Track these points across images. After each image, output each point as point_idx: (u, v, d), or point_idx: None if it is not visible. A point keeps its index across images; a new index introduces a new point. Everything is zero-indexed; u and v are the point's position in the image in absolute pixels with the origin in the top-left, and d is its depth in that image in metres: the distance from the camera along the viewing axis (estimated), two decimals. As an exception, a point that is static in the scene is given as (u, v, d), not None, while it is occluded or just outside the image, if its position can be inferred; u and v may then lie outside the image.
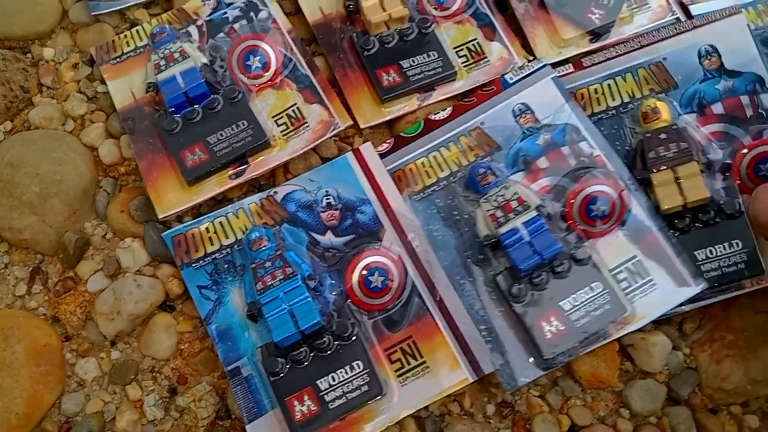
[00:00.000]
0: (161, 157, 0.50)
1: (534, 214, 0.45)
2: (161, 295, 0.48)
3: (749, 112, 0.48)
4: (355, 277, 0.46)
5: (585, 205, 0.47)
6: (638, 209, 0.47)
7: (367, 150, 0.50)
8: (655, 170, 0.46)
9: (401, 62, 0.52)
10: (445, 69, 0.52)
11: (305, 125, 0.50)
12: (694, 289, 0.45)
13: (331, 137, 0.50)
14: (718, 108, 0.49)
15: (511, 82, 0.51)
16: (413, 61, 0.52)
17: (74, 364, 0.48)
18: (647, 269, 0.46)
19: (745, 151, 0.48)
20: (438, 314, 0.46)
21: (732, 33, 0.50)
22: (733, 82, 0.49)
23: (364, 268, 0.46)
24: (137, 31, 0.54)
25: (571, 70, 0.51)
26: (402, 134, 0.51)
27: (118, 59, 0.53)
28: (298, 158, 0.50)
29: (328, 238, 0.48)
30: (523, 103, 0.50)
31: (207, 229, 0.48)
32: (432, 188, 0.49)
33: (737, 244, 0.45)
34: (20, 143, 0.51)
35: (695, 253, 0.46)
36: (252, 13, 0.54)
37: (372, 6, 0.52)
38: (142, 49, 0.53)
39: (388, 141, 0.50)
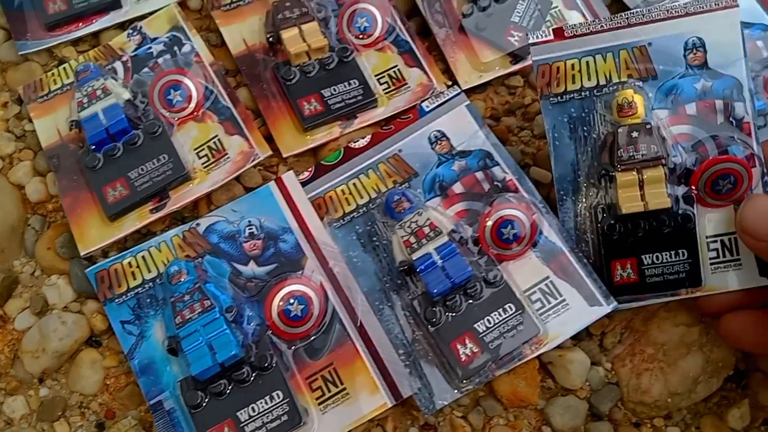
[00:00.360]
0: (85, 194, 0.50)
1: (445, 239, 0.46)
2: (86, 331, 0.49)
3: (720, 119, 0.46)
4: (274, 306, 0.47)
5: (497, 228, 0.47)
6: (549, 231, 0.47)
7: (289, 179, 0.51)
8: (621, 169, 0.44)
9: (322, 91, 0.53)
10: (365, 96, 0.53)
11: (226, 156, 0.51)
12: (606, 308, 0.46)
13: (251, 168, 0.51)
14: (691, 108, 0.46)
15: (427, 110, 0.52)
16: (334, 90, 0.53)
17: (2, 402, 0.49)
18: (559, 290, 0.46)
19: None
20: (358, 340, 0.46)
21: (724, 29, 0.46)
22: (712, 84, 0.46)
23: (283, 298, 0.47)
24: (64, 68, 0.55)
25: (551, 38, 0.47)
26: (322, 162, 0.51)
27: (45, 97, 0.54)
28: (221, 189, 0.51)
29: (251, 269, 0.49)
30: (438, 131, 0.51)
31: (129, 263, 0.49)
32: (352, 215, 0.50)
33: (683, 253, 0.45)
34: (-54, 184, 0.52)
35: (642, 256, 0.45)
36: (176, 47, 0.55)
37: (292, 37, 0.53)
38: (68, 87, 0.54)
39: (309, 169, 0.51)
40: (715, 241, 0.45)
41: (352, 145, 0.52)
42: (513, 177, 0.49)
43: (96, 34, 0.57)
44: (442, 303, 0.46)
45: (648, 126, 0.44)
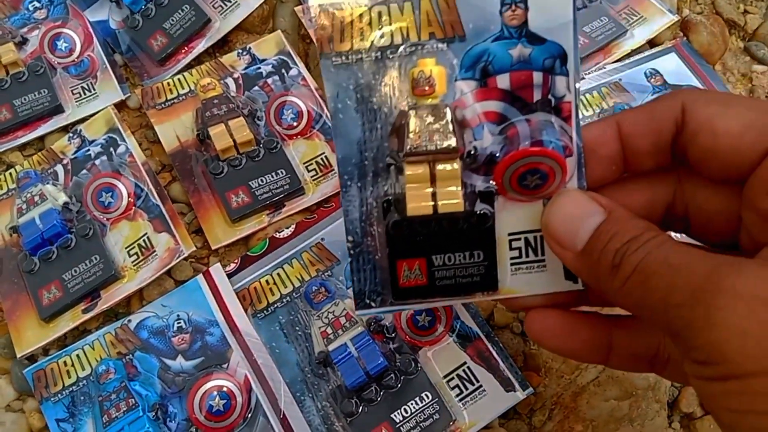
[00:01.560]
0: (23, 296, 0.53)
1: (361, 329, 0.47)
2: (25, 430, 0.50)
3: (536, 95, 0.36)
4: (196, 402, 0.48)
5: (412, 315, 0.48)
6: (466, 315, 0.48)
7: (216, 271, 0.52)
8: (409, 161, 0.36)
9: (250, 182, 0.55)
10: (292, 185, 0.55)
11: (153, 254, 0.53)
12: (522, 394, 0.46)
13: (179, 262, 0.52)
14: (504, 81, 0.36)
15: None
16: (261, 181, 0.55)
17: (-54, 504, 0.50)
18: (477, 375, 0.47)
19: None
20: (281, 432, 0.47)
21: None
22: (531, 51, 0.36)
23: (205, 393, 0.48)
24: (9, 174, 0.58)
25: None
26: (248, 253, 0.53)
27: (-10, 203, 0.57)
28: (153, 283, 0.53)
29: (179, 363, 0.50)
30: None
31: (65, 362, 0.51)
32: (275, 305, 0.51)
33: (478, 255, 0.38)
34: None
35: (432, 257, 0.38)
36: (111, 149, 0.57)
37: (219, 133, 0.55)
38: (12, 192, 0.57)
39: (235, 261, 0.53)
40: (519, 239, 0.38)
41: (277, 235, 0.53)
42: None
43: (41, 138, 0.60)
44: (358, 395, 0.46)
45: (446, 109, 0.35)
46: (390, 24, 0.35)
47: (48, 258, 0.52)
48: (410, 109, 0.35)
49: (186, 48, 0.62)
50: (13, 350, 0.52)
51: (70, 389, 0.50)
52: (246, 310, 0.51)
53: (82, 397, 0.50)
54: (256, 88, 0.60)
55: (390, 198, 0.37)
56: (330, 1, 0.35)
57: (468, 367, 0.47)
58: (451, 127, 0.35)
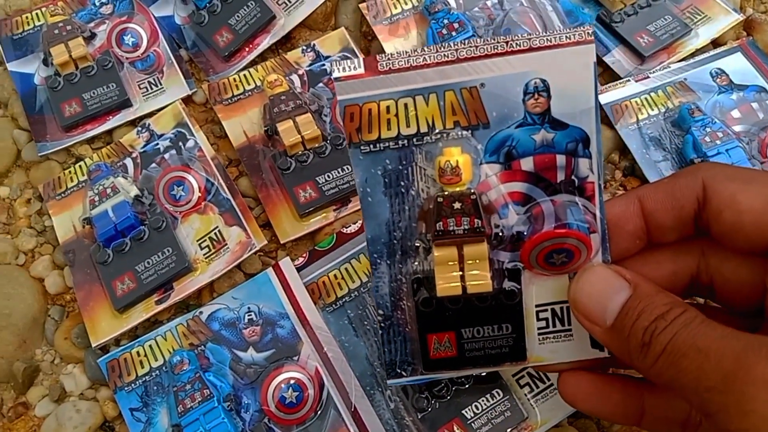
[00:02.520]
0: (97, 287, 0.54)
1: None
2: (99, 418, 0.52)
3: (560, 177, 0.38)
4: (270, 393, 0.49)
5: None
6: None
7: (286, 265, 0.53)
8: (438, 244, 0.38)
9: (317, 178, 0.55)
10: (358, 181, 0.55)
11: (225, 247, 0.54)
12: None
13: (249, 256, 0.53)
14: (527, 164, 0.38)
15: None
16: (328, 176, 0.56)
17: (23, 489, 0.52)
18: (547, 374, 0.47)
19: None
20: (353, 425, 0.48)
21: (573, 71, 0.37)
22: (554, 136, 0.38)
23: (278, 385, 0.49)
24: (80, 166, 0.59)
25: (361, 71, 0.37)
26: (316, 248, 0.54)
27: (62, 195, 0.58)
28: (223, 276, 0.54)
29: (250, 354, 0.51)
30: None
31: (138, 353, 0.52)
32: (344, 299, 0.52)
33: (506, 327, 0.39)
34: (-25, 280, 0.56)
35: (462, 330, 0.39)
36: (180, 143, 0.58)
37: (287, 129, 0.56)
38: (83, 184, 0.58)
39: (303, 255, 0.54)
40: (545, 310, 0.39)
41: (345, 230, 0.54)
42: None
43: (109, 132, 0.61)
44: (430, 390, 0.47)
45: (473, 196, 0.37)
46: (416, 113, 0.37)
47: (121, 249, 0.54)
48: (438, 195, 0.38)
49: (251, 44, 0.63)
50: (87, 339, 0.53)
51: (143, 379, 0.51)
52: (315, 304, 0.52)
53: (155, 387, 0.51)
54: (321, 84, 0.60)
55: (420, 276, 0.39)
56: (358, 95, 0.37)
57: (538, 365, 0.47)
58: (477, 211, 0.37)
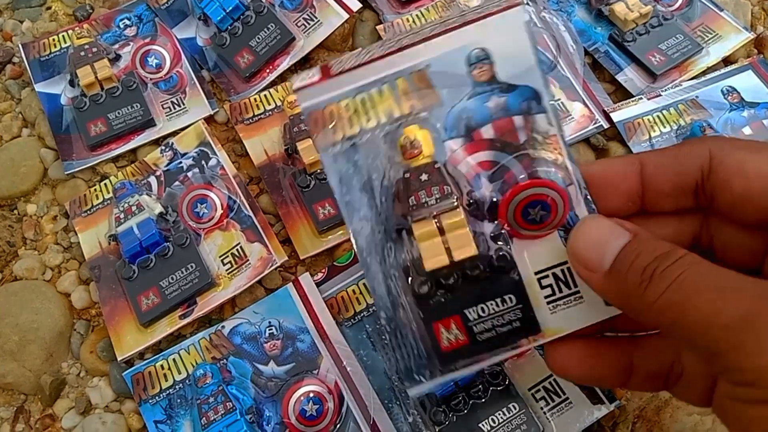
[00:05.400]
0: (122, 302, 0.55)
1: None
2: (124, 431, 0.53)
3: (522, 137, 0.38)
4: (291, 406, 0.50)
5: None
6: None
7: (306, 280, 0.54)
8: (416, 219, 0.37)
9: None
10: (376, 198, 0.57)
11: (247, 263, 0.55)
12: (609, 407, 0.47)
13: (269, 273, 0.55)
14: (488, 131, 0.38)
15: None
16: (347, 194, 0.57)
17: (50, 498, 0.53)
18: (563, 387, 0.48)
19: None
20: (371, 438, 0.49)
21: (508, 34, 0.37)
22: (506, 99, 0.38)
23: (298, 398, 0.50)
24: (105, 184, 0.61)
25: (317, 78, 0.37)
26: (335, 263, 0.55)
27: (88, 212, 0.60)
28: (244, 292, 0.55)
29: (271, 368, 0.52)
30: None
31: (162, 366, 0.53)
32: (362, 314, 0.53)
33: (510, 299, 0.38)
34: (4, 295, 0.57)
35: (465, 311, 0.37)
36: (203, 162, 0.60)
37: (307, 148, 0.57)
38: (108, 202, 0.60)
39: (323, 270, 0.55)
40: (547, 276, 0.38)
41: (363, 246, 0.55)
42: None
43: (133, 151, 0.63)
44: (447, 404, 0.48)
45: (436, 165, 0.37)
46: (374, 107, 0.37)
47: (146, 265, 0.55)
48: (405, 172, 0.37)
49: (271, 65, 0.64)
50: (112, 353, 0.55)
51: (167, 392, 0.52)
52: (334, 318, 0.53)
53: (178, 400, 0.52)
54: (339, 103, 0.62)
55: (408, 264, 0.38)
56: (318, 100, 0.37)
57: (554, 379, 0.48)
58: (444, 179, 0.37)
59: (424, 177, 0.37)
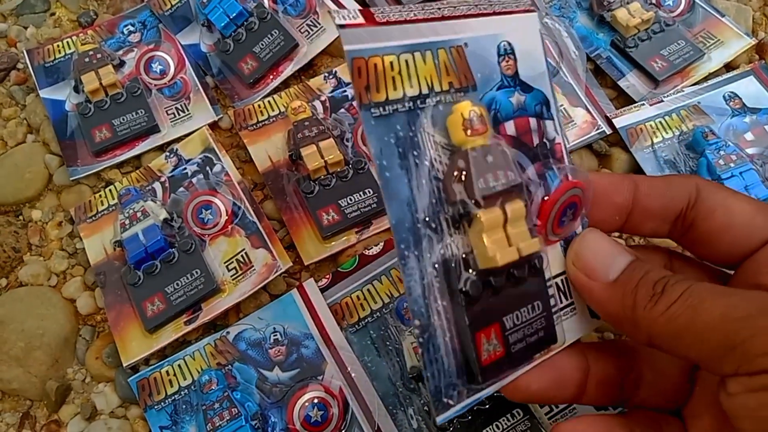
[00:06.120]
0: (127, 308, 0.56)
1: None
2: (130, 436, 0.53)
3: (536, 140, 0.37)
4: (296, 412, 0.50)
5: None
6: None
7: (310, 286, 0.55)
8: (484, 205, 0.33)
9: (339, 201, 0.57)
10: (379, 203, 0.57)
11: (252, 269, 0.55)
12: (613, 413, 0.47)
13: (274, 278, 0.55)
14: (510, 127, 0.37)
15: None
16: (350, 200, 0.57)
17: (56, 504, 0.53)
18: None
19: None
20: (376, 443, 0.49)
21: (527, 35, 0.37)
22: (525, 98, 0.37)
23: (303, 404, 0.50)
24: (110, 190, 0.61)
25: (361, 20, 0.32)
26: (339, 269, 0.55)
27: (93, 218, 0.60)
28: (249, 298, 0.55)
29: (276, 374, 0.52)
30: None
31: (167, 372, 0.53)
32: (366, 320, 0.53)
33: (538, 306, 0.35)
34: (9, 301, 0.58)
35: (504, 319, 0.34)
36: (207, 168, 0.60)
37: (311, 154, 0.57)
38: (113, 208, 0.60)
39: (327, 276, 0.55)
40: (551, 286, 0.36)
41: (367, 252, 0.55)
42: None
43: (138, 157, 0.63)
44: (452, 409, 0.48)
45: (500, 146, 0.34)
46: (417, 73, 0.33)
47: (151, 271, 0.55)
48: (466, 150, 0.33)
49: (275, 71, 0.65)
50: (118, 359, 0.55)
51: (173, 398, 0.52)
52: (338, 324, 0.53)
53: (184, 406, 0.52)
54: (342, 110, 0.62)
55: (456, 257, 0.33)
56: (363, 46, 0.32)
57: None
58: (509, 163, 0.34)
59: (490, 158, 0.33)
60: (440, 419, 0.32)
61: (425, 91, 0.33)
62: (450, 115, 0.33)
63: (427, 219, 0.33)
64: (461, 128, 0.33)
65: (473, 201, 0.33)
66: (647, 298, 0.32)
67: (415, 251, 0.32)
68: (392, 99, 0.32)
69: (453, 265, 0.33)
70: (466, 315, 0.33)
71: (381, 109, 0.32)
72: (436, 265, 0.33)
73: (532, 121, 0.37)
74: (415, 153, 0.33)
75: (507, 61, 0.36)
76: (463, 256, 0.33)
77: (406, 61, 0.33)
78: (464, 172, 0.33)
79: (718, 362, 0.29)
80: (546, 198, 0.35)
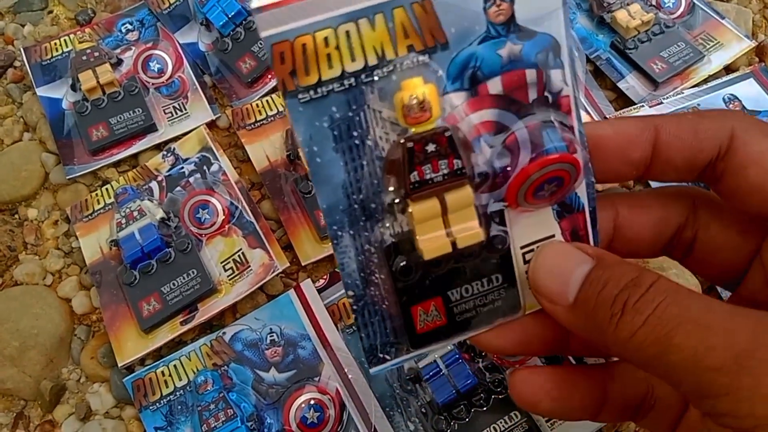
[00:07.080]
0: (123, 308, 0.55)
1: (450, 347, 0.48)
2: (124, 437, 0.53)
3: (532, 95, 0.32)
4: (292, 414, 0.50)
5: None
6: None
7: (307, 286, 0.54)
8: (416, 198, 0.31)
9: (338, 202, 0.57)
10: (378, 205, 0.57)
11: (248, 269, 0.55)
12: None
13: (271, 279, 0.54)
14: (495, 85, 0.32)
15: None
16: (348, 200, 0.57)
17: (49, 505, 0.53)
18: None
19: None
20: (372, 445, 0.49)
21: None
22: (522, 47, 0.31)
23: (299, 405, 0.50)
24: (106, 189, 0.61)
25: None
26: (337, 269, 0.55)
27: (89, 217, 0.60)
28: (246, 298, 0.55)
29: (272, 375, 0.52)
30: None
31: (162, 372, 0.53)
32: (364, 322, 0.53)
33: (497, 279, 0.34)
34: (3, 300, 0.57)
35: (448, 293, 0.33)
36: (205, 167, 0.60)
37: (308, 153, 0.57)
38: (109, 207, 0.60)
39: (324, 277, 0.55)
40: (531, 251, 0.34)
41: (365, 253, 0.55)
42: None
43: (135, 156, 0.63)
44: (449, 412, 0.48)
45: (447, 133, 0.30)
46: (362, 43, 0.29)
47: (147, 271, 0.55)
48: (405, 138, 0.30)
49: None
50: (113, 359, 0.54)
51: (168, 398, 0.52)
52: (336, 325, 0.53)
53: (179, 407, 0.52)
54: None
55: (394, 241, 0.32)
56: (286, 28, 0.28)
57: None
58: (455, 150, 0.30)
59: (430, 147, 0.30)
60: (373, 371, 0.34)
61: (373, 62, 0.29)
62: (398, 92, 0.30)
63: (365, 200, 0.31)
64: (402, 113, 0.30)
65: (404, 193, 0.30)
66: (607, 321, 0.28)
67: (350, 230, 0.32)
68: (326, 79, 0.29)
69: (394, 245, 0.32)
70: (398, 293, 0.33)
71: (312, 92, 0.29)
72: (375, 244, 0.32)
73: (530, 74, 0.32)
74: (355, 133, 0.30)
75: (498, 6, 0.31)
76: (402, 238, 0.32)
77: (347, 33, 0.29)
78: (398, 163, 0.30)
79: (694, 403, 0.27)
80: (519, 170, 0.31)
